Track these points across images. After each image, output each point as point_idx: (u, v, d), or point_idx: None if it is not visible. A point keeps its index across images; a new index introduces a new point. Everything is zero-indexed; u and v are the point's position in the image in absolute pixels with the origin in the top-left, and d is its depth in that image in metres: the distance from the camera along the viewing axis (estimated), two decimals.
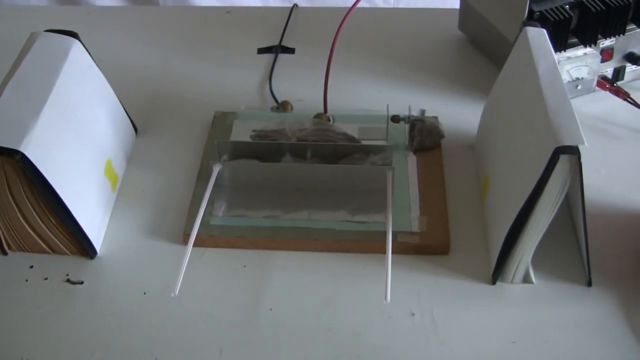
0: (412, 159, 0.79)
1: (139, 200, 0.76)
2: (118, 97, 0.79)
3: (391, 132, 0.80)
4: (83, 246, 0.69)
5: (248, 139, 0.79)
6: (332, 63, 0.81)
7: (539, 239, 0.65)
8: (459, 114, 0.85)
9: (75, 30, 0.75)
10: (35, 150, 0.62)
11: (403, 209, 0.73)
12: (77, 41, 0.73)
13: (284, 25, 1.00)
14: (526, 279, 0.68)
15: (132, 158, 0.81)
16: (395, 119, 0.81)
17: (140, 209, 0.75)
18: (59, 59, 0.71)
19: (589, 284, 0.68)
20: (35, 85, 0.67)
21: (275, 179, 0.75)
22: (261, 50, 0.96)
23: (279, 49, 0.96)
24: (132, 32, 1.02)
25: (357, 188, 0.74)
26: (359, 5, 0.83)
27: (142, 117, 0.86)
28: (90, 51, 0.75)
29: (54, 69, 0.69)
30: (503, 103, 0.74)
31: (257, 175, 0.75)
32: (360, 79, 0.92)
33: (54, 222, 0.67)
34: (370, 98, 0.88)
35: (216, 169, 0.73)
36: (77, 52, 0.73)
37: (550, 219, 0.63)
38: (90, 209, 0.70)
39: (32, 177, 0.62)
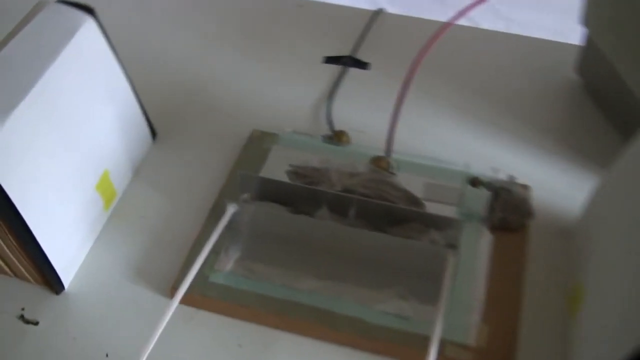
0: (486, 239, 0.62)
1: (135, 226, 0.62)
2: (138, 93, 0.65)
3: (466, 197, 0.64)
4: (47, 278, 0.56)
5: (282, 175, 0.64)
6: (410, 90, 0.64)
7: None
8: (557, 186, 0.67)
9: (99, 5, 0.61)
10: None
11: (460, 309, 0.56)
12: (91, 18, 0.58)
13: (361, 31, 0.83)
14: None
15: (141, 169, 0.67)
16: (475, 182, 0.64)
17: (133, 238, 0.61)
18: (61, 38, 0.56)
19: None
20: (20, 70, 0.53)
21: (303, 237, 0.59)
22: (328, 60, 0.79)
23: (349, 61, 0.79)
24: (171, 15, 0.87)
25: (406, 270, 0.58)
26: (458, 22, 0.66)
27: (165, 120, 0.71)
28: (109, 33, 0.61)
29: (51, 51, 0.55)
30: (633, 189, 0.56)
31: (281, 228, 0.60)
32: (440, 115, 0.74)
33: (12, 241, 0.53)
34: (448, 143, 0.71)
35: (230, 209, 0.59)
36: (88, 32, 0.58)
37: None
38: (65, 231, 0.57)
39: None
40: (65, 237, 0.57)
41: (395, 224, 0.60)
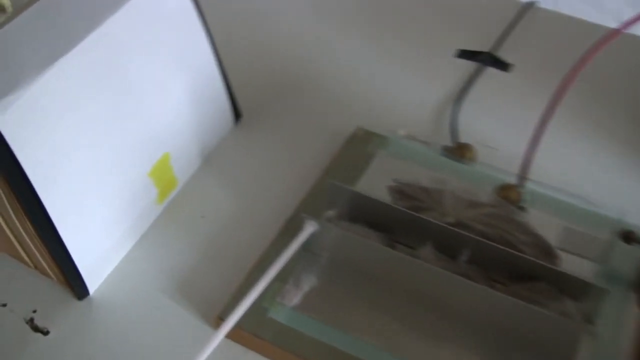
0: (634, 315, 0.48)
1: (191, 228, 0.51)
2: (225, 65, 0.54)
3: (614, 254, 0.50)
4: (68, 279, 0.45)
5: (383, 190, 0.51)
6: (559, 105, 0.50)
7: None
8: None
9: None
10: (16, 122, 0.38)
11: None
12: None
13: (505, 26, 0.69)
14: None
15: (212, 157, 0.56)
16: (629, 236, 0.50)
17: (184, 243, 0.50)
18: None
19: None
20: (73, 16, 0.43)
21: (397, 278, 0.47)
22: (462, 54, 0.65)
23: (488, 59, 0.65)
24: None
25: (524, 343, 0.45)
26: (628, 30, 0.51)
27: (255, 102, 0.60)
28: None
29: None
30: None
31: (370, 262, 0.47)
32: (594, 143, 0.59)
33: (30, 228, 0.43)
34: (600, 180, 0.56)
35: (309, 227, 0.47)
36: None
37: None
38: (99, 224, 0.46)
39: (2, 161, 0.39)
40: (97, 231, 0.46)
41: (518, 280, 0.47)
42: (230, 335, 0.44)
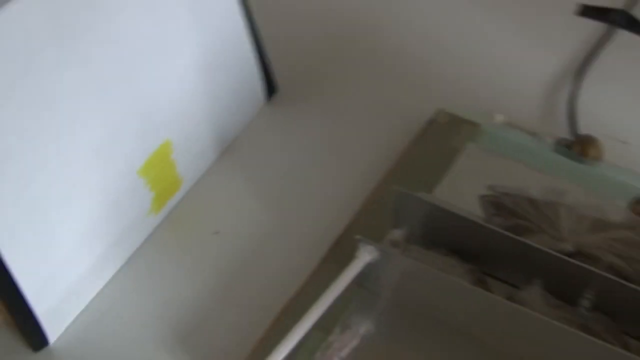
0: None
1: (197, 250, 0.44)
2: (258, 26, 0.48)
3: None
4: (20, 324, 0.39)
5: (473, 200, 0.44)
6: None
7: None
8: None
9: None
10: None
11: None
12: None
13: None
14: None
15: (233, 147, 0.49)
16: None
17: (188, 272, 0.43)
18: None
19: None
20: None
21: (490, 331, 0.39)
22: (586, 11, 0.58)
23: (621, 19, 0.58)
24: None
25: None
26: None
27: (296, 70, 0.53)
28: None
29: None
30: None
31: (452, 306, 0.40)
32: None
33: None
34: None
35: (365, 256, 0.39)
36: None
37: None
38: (64, 252, 0.40)
39: None
40: (62, 257, 0.40)
41: None
42: None
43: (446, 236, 0.43)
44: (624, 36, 0.59)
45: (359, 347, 0.40)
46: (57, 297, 0.41)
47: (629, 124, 0.53)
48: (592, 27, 0.59)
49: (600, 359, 0.38)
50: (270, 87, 0.52)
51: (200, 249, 0.44)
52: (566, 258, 0.42)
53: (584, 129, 0.52)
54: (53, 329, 0.40)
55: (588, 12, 0.59)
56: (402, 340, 0.41)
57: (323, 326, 0.39)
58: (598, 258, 0.42)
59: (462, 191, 0.47)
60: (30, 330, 0.39)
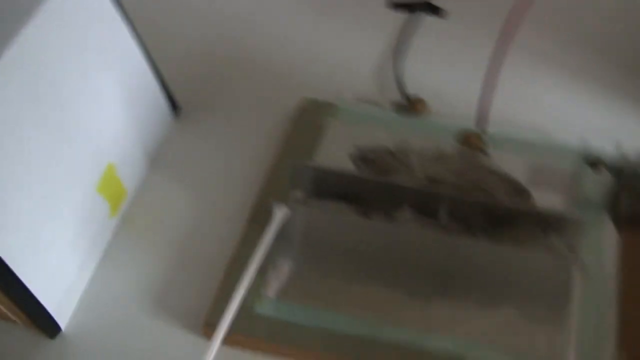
0: (613, 241, 0.51)
1: (153, 238, 0.51)
2: (154, 58, 0.54)
3: (583, 184, 0.53)
4: (35, 319, 0.45)
5: (345, 160, 0.53)
6: (510, 43, 0.52)
7: None
8: None
9: None
10: None
11: (589, 336, 0.46)
12: None
13: None
14: None
15: (158, 158, 0.56)
16: (595, 163, 0.53)
17: (150, 254, 0.50)
18: None
19: None
20: None
21: (380, 248, 0.48)
22: (394, 5, 0.66)
23: (423, 8, 0.66)
24: None
25: (516, 287, 0.47)
26: None
27: (191, 91, 0.60)
28: None
29: (28, 4, 0.44)
30: None
31: (349, 236, 0.48)
32: (547, 77, 0.62)
33: None
34: (558, 114, 0.59)
35: (279, 213, 0.48)
36: None
37: None
38: (56, 253, 0.46)
39: None
40: (57, 261, 0.46)
41: (499, 226, 0.49)
42: (224, 341, 0.44)
43: (333, 189, 0.49)
44: (428, 21, 0.65)
45: (288, 280, 0.47)
46: (60, 291, 0.46)
47: (441, 85, 0.59)
48: (404, 17, 0.65)
49: (460, 251, 0.47)
50: (174, 106, 0.57)
51: (153, 237, 0.51)
52: (422, 186, 0.50)
53: (411, 93, 0.58)
54: (62, 318, 0.46)
55: (396, 5, 0.66)
56: (318, 269, 0.48)
57: (261, 271, 0.47)
58: (444, 181, 0.50)
59: (335, 155, 0.53)
60: (44, 323, 0.45)
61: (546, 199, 0.52)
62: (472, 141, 0.54)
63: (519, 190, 0.51)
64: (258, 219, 0.50)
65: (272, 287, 0.47)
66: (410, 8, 0.66)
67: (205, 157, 0.56)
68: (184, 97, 0.59)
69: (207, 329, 0.45)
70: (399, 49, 0.63)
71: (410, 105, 0.58)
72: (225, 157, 0.56)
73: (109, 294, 0.49)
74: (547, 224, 0.48)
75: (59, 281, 0.46)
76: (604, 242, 0.50)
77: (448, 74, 0.61)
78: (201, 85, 0.61)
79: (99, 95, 0.49)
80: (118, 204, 0.51)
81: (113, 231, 0.51)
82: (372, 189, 0.49)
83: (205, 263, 0.50)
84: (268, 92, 0.60)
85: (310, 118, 0.57)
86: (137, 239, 0.51)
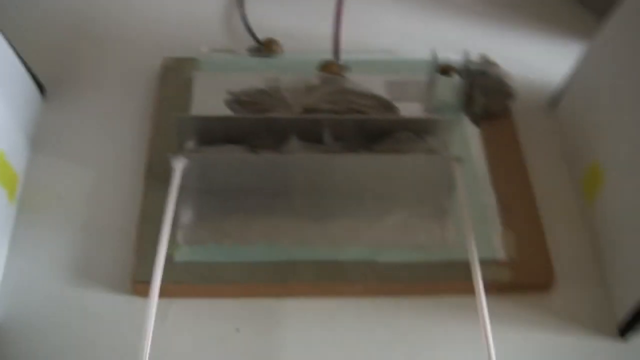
0: (472, 132, 0.57)
1: (55, 213, 0.52)
2: (11, 39, 0.53)
3: (438, 89, 0.58)
4: None
5: (221, 107, 0.55)
6: None
7: None
8: (530, 62, 0.63)
9: None
10: None
11: (476, 218, 0.51)
12: None
13: None
14: None
15: (37, 139, 0.55)
16: (446, 69, 0.58)
17: (58, 229, 0.51)
18: None
19: None
20: None
21: (277, 180, 0.51)
22: None
23: None
24: None
25: (405, 190, 0.52)
26: None
27: (52, 71, 0.59)
28: None
29: None
30: (637, 58, 0.52)
31: (247, 175, 0.51)
32: (383, 2, 0.67)
33: None
34: (405, 31, 0.65)
35: (179, 165, 0.49)
36: None
37: None
38: None
39: None
40: None
41: (378, 139, 0.53)
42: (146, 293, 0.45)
43: (219, 134, 0.51)
44: None
45: (198, 225, 0.49)
46: None
47: (288, 23, 0.63)
48: None
49: (348, 167, 0.51)
50: (40, 88, 0.57)
51: (57, 213, 0.51)
52: (301, 116, 0.53)
53: (262, 34, 0.61)
54: None
55: None
56: (227, 214, 0.50)
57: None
58: (319, 109, 0.54)
59: (210, 105, 0.55)
60: None
61: (409, 109, 0.56)
62: (332, 69, 0.58)
63: (386, 106, 0.55)
64: (154, 174, 0.52)
65: (184, 235, 0.49)
66: None
67: (84, 129, 0.56)
68: (45, 76, 0.58)
69: (138, 286, 0.47)
70: None
71: (265, 47, 0.60)
72: (103, 126, 0.57)
73: (28, 279, 0.49)
74: (419, 130, 0.53)
75: None
76: (467, 136, 0.56)
77: (289, 11, 0.65)
78: (59, 62, 0.61)
79: None
80: (14, 189, 0.51)
81: (14, 214, 0.51)
82: (256, 128, 0.52)
83: (113, 227, 0.51)
84: (128, 57, 0.61)
85: (176, 75, 0.58)
86: (40, 219, 0.51)
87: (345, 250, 0.49)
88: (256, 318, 0.48)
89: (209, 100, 0.56)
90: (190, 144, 0.51)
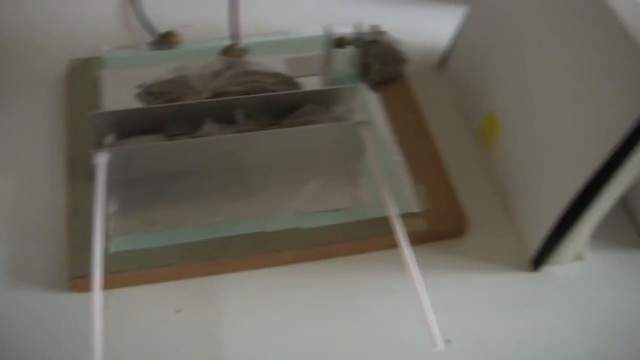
0: (371, 98, 0.60)
1: None
2: None
3: (335, 61, 0.61)
4: None
5: (132, 101, 0.57)
6: None
7: (612, 204, 0.49)
8: (416, 26, 0.68)
9: None
10: None
11: (388, 176, 0.54)
12: None
13: None
14: (577, 256, 0.53)
15: None
16: (341, 42, 0.61)
17: None
18: None
19: None
20: None
21: (198, 163, 0.53)
22: None
23: None
24: None
25: (319, 157, 0.55)
26: None
27: None
28: None
29: None
30: (512, 14, 0.55)
31: (168, 161, 0.53)
32: None
33: None
34: (298, 12, 0.68)
35: (102, 160, 0.50)
36: None
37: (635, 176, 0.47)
38: None
39: None
40: None
41: (287, 114, 0.55)
42: (85, 288, 0.47)
43: (135, 127, 0.53)
44: None
45: (130, 217, 0.51)
46: None
47: (181, 14, 0.65)
48: None
49: (264, 143, 0.53)
50: None
51: None
52: (211, 100, 0.55)
53: (160, 27, 0.63)
54: None
55: None
56: (154, 201, 0.52)
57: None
58: (228, 92, 0.56)
59: (120, 100, 0.56)
60: None
61: (311, 83, 0.59)
62: (233, 53, 0.60)
63: (289, 82, 0.58)
64: (75, 171, 0.53)
65: (114, 226, 0.51)
66: None
67: (5, 135, 0.57)
68: None
69: (76, 282, 0.48)
70: None
71: (164, 40, 0.62)
72: (18, 130, 0.57)
73: None
74: (323, 101, 0.56)
75: None
76: (368, 102, 0.59)
77: (180, 3, 0.67)
78: None
79: None
80: None
81: None
82: (170, 116, 0.54)
83: (42, 227, 0.52)
84: (32, 62, 0.62)
85: (83, 75, 0.59)
86: None
87: (271, 221, 0.52)
88: (195, 297, 0.49)
89: (119, 96, 0.57)
90: (110, 139, 0.53)
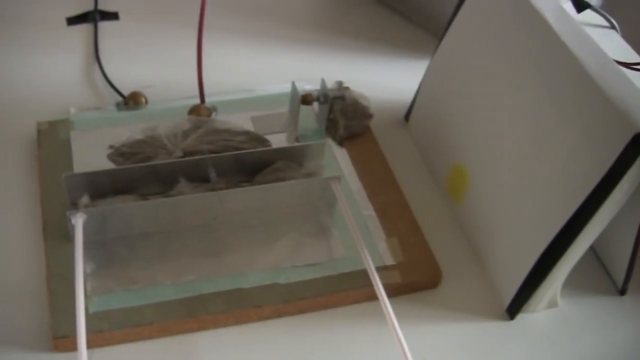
0: (340, 153, 0.61)
1: None
2: None
3: (301, 118, 0.62)
4: None
5: (104, 161, 0.57)
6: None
7: (584, 252, 0.51)
8: (381, 82, 0.70)
9: None
10: None
11: (361, 229, 0.55)
12: None
13: None
14: (551, 303, 0.54)
15: None
16: (306, 99, 0.62)
17: None
18: None
19: (623, 292, 0.56)
20: None
21: (172, 221, 0.54)
22: (72, 21, 0.71)
23: (97, 16, 0.72)
24: None
25: (291, 214, 0.56)
26: None
27: None
28: None
29: None
30: (474, 66, 0.58)
31: (143, 220, 0.53)
32: (241, 45, 0.73)
33: None
34: (261, 71, 0.70)
35: (79, 220, 0.51)
36: None
37: (606, 224, 0.49)
38: None
39: None
40: None
41: (258, 171, 0.57)
42: (69, 347, 0.47)
43: (108, 187, 0.53)
44: (106, 25, 0.71)
45: (102, 276, 0.51)
46: None
47: (146, 75, 0.66)
48: (84, 28, 0.71)
49: (232, 204, 0.54)
50: None
51: None
52: (183, 159, 0.55)
53: (125, 89, 0.64)
54: None
55: (74, 20, 0.71)
56: (130, 260, 0.52)
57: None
58: (199, 151, 0.56)
59: (90, 161, 0.57)
60: None
61: (278, 140, 0.61)
62: (200, 112, 0.61)
63: (258, 139, 0.59)
64: (52, 232, 0.53)
65: (92, 286, 0.51)
66: (85, 19, 0.71)
67: None
68: None
69: (58, 342, 0.48)
70: (95, 56, 0.68)
71: (131, 101, 0.63)
72: None
73: None
74: (293, 157, 0.57)
75: None
76: (335, 156, 0.61)
77: (145, 65, 0.68)
78: None
79: None
80: None
81: None
82: (143, 176, 0.54)
83: (23, 289, 0.52)
84: (0, 128, 0.62)
85: (53, 137, 0.60)
86: None
87: (249, 277, 0.52)
88: (176, 356, 0.49)
89: (89, 157, 0.58)
90: (84, 200, 0.53)
